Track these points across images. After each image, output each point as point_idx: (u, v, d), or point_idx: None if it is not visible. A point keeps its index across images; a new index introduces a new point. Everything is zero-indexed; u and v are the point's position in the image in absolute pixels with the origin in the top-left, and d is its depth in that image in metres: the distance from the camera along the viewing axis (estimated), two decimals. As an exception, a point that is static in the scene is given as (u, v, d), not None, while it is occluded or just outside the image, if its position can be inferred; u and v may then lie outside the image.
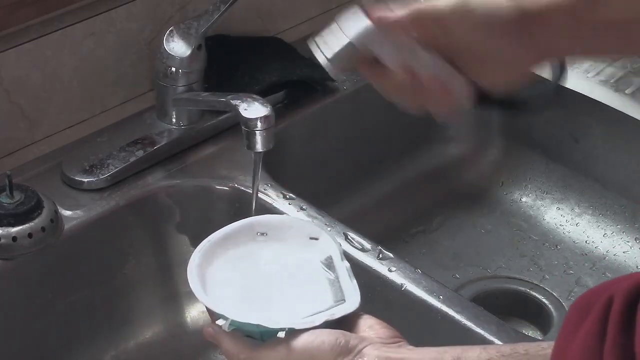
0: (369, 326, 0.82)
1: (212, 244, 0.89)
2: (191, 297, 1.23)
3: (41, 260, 1.09)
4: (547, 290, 1.33)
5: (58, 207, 1.11)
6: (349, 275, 0.85)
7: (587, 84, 1.40)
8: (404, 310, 1.07)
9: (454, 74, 0.83)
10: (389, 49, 0.82)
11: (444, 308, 1.04)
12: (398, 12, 0.82)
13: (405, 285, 1.06)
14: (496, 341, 1.00)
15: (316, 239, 0.89)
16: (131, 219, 1.17)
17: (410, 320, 1.07)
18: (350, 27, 0.82)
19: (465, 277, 1.35)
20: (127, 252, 1.18)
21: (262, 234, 0.90)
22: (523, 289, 1.34)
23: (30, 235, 1.07)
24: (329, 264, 0.86)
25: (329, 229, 1.10)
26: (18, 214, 1.06)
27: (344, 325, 0.82)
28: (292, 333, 0.80)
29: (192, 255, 0.87)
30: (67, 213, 1.13)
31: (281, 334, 0.80)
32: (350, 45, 0.82)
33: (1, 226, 1.06)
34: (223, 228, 0.91)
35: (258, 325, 0.80)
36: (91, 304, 1.16)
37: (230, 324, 0.82)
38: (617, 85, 1.39)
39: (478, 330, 1.01)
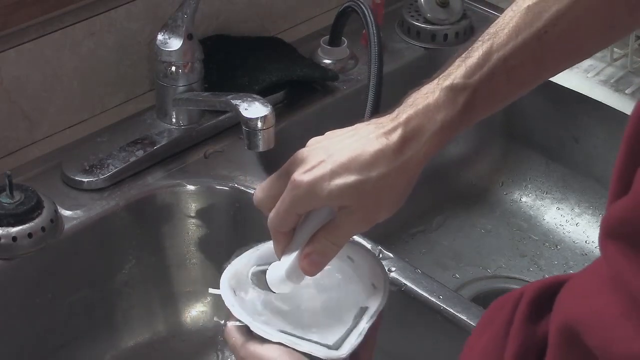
0: None
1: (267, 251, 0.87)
2: (191, 297, 1.23)
3: (41, 260, 1.09)
4: (547, 290, 1.33)
5: (58, 207, 1.11)
6: (359, 334, 0.82)
7: (587, 84, 1.40)
8: (404, 310, 1.07)
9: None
10: None
11: (444, 308, 1.04)
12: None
13: (405, 285, 1.06)
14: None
15: (375, 287, 0.85)
16: (131, 219, 1.17)
17: (410, 320, 1.07)
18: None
19: (465, 277, 1.35)
20: (127, 252, 1.18)
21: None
22: (523, 289, 1.34)
23: (30, 235, 1.07)
24: (360, 314, 0.84)
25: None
26: (18, 214, 1.06)
27: None
28: (269, 342, 0.79)
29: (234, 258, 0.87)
30: (67, 213, 1.13)
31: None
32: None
33: (1, 226, 1.06)
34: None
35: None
36: (91, 304, 1.16)
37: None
38: (617, 85, 1.39)
39: (478, 330, 1.01)
